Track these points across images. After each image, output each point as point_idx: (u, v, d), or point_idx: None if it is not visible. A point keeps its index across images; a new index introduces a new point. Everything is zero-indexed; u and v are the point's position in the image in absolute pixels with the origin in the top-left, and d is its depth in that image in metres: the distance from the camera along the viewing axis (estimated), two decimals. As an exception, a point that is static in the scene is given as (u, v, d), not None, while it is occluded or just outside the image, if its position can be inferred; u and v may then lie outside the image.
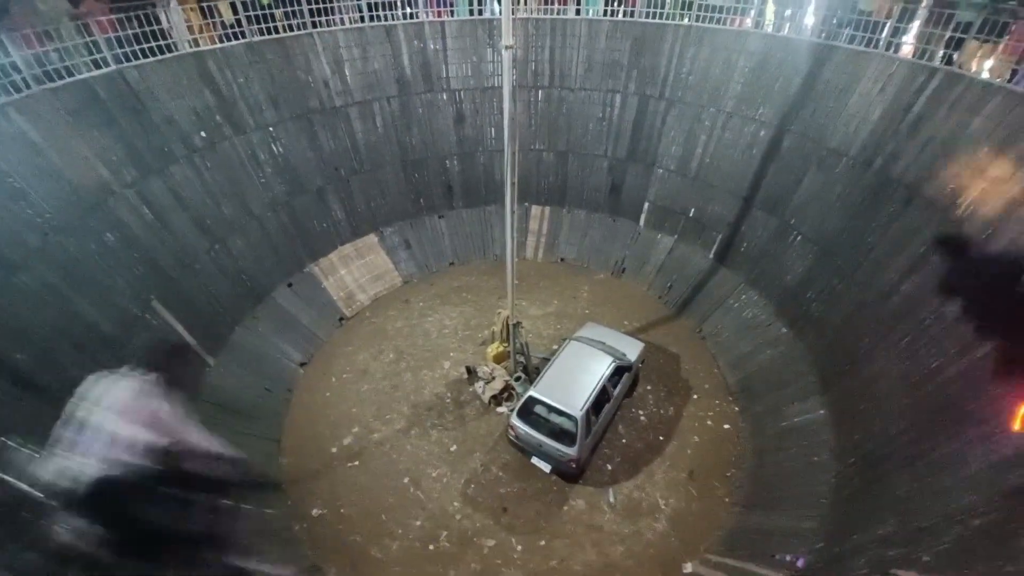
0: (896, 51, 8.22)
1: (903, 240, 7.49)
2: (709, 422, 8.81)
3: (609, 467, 8.11)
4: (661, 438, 8.54)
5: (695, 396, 9.26)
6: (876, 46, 8.36)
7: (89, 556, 2.60)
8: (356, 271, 11.62)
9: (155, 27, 8.41)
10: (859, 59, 8.45)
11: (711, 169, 11.03)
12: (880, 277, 7.69)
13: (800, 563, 5.84)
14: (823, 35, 9.10)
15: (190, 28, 9.28)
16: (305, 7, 10.08)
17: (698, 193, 11.30)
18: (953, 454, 5.42)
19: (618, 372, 8.25)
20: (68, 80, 7.39)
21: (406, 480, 7.95)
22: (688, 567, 6.84)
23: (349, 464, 8.17)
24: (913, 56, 8.00)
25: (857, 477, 6.50)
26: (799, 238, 9.43)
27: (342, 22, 10.77)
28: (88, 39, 7.84)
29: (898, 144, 7.89)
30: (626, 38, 11.21)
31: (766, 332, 9.46)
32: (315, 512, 7.49)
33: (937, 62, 7.64)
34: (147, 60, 8.28)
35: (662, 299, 11.51)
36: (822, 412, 7.70)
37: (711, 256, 11.13)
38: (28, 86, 6.98)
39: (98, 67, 7.84)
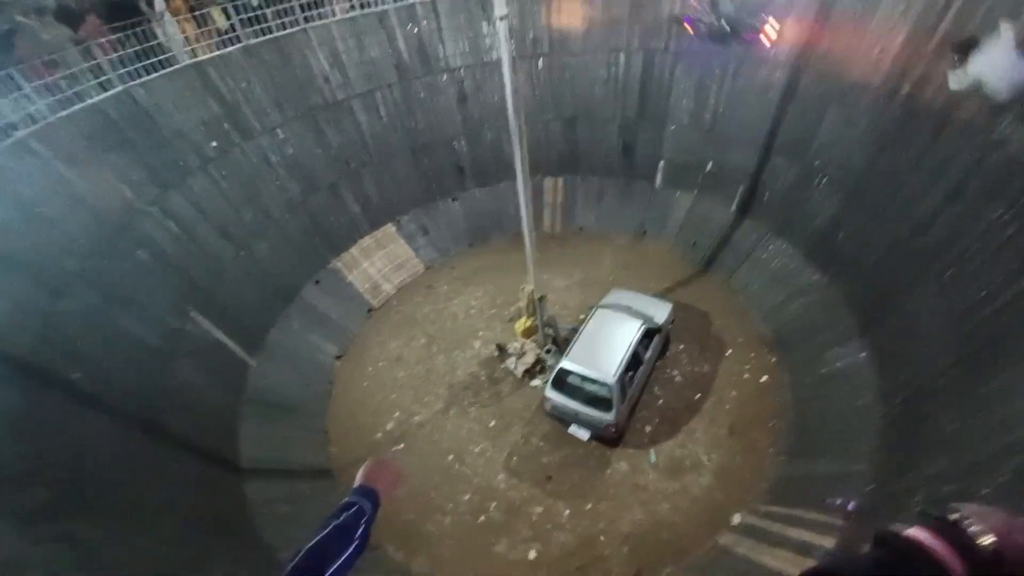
0: (917, -34, 7.66)
1: (937, 170, 7.13)
2: (746, 375, 8.74)
3: (648, 429, 8.17)
4: (698, 396, 8.53)
5: (729, 351, 9.17)
6: (895, -36, 7.81)
7: None
8: (378, 262, 11.77)
9: (152, 42, 8.48)
10: (877, -20, 7.92)
11: (726, 119, 10.64)
12: (915, 211, 7.38)
13: (851, 506, 5.82)
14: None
15: (186, 39, 9.31)
16: (296, 3, 9.96)
17: (714, 145, 10.94)
18: (1004, 386, 5.26)
19: (648, 335, 8.22)
20: (80, 105, 7.56)
21: (450, 458, 8.19)
22: (737, 518, 6.91)
23: (394, 448, 8.44)
24: (936, -31, 7.44)
25: (904, 417, 6.38)
26: (824, 180, 9.08)
27: (333, 14, 10.62)
28: (92, 62, 7.97)
29: (926, 68, 7.43)
30: (624, -9, 10.76)
31: (797, 280, 9.24)
32: (368, 496, 7.79)
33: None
34: (151, 76, 8.37)
35: (686, 258, 11.32)
36: (863, 355, 7.55)
37: (733, 209, 10.84)
38: (44, 116, 7.16)
39: (105, 89, 7.97)
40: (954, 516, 0.86)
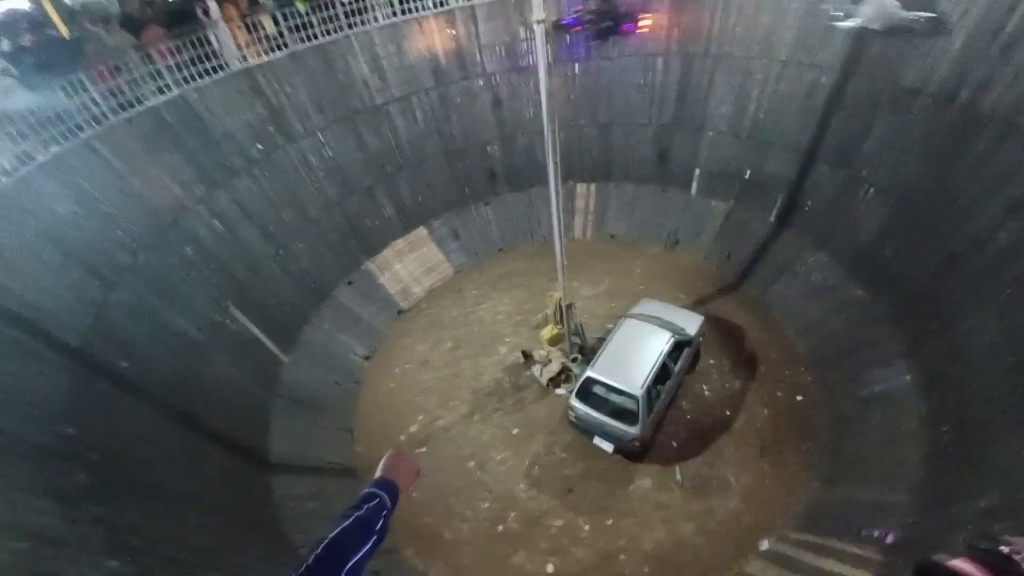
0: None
1: (998, 181, 6.68)
2: (779, 393, 8.38)
3: (674, 444, 7.95)
4: (728, 413, 8.24)
5: (762, 368, 8.82)
6: (955, -35, 7.39)
7: None
8: (410, 265, 11.97)
9: (207, 48, 8.94)
10: (934, -18, 7.51)
11: (766, 126, 10.29)
12: (971, 225, 6.92)
13: (890, 538, 5.48)
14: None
15: (238, 46, 9.78)
16: (340, 9, 10.30)
17: (753, 153, 10.60)
18: (1069, 417, 4.85)
19: (678, 347, 8.01)
20: (139, 108, 8.04)
21: (472, 464, 8.20)
22: (765, 544, 6.61)
23: (417, 450, 8.52)
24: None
25: (952, 446, 5.97)
26: (871, 190, 8.64)
27: (375, 20, 10.93)
28: (152, 68, 8.48)
29: (988, 72, 6.97)
30: (664, -4, 10.61)
31: (838, 295, 8.82)
32: (389, 495, 7.89)
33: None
34: (203, 81, 8.81)
35: (720, 269, 10.99)
36: (908, 377, 7.11)
37: (772, 219, 10.45)
38: (107, 117, 7.66)
39: (162, 93, 8.45)
40: (1006, 549, 0.79)
